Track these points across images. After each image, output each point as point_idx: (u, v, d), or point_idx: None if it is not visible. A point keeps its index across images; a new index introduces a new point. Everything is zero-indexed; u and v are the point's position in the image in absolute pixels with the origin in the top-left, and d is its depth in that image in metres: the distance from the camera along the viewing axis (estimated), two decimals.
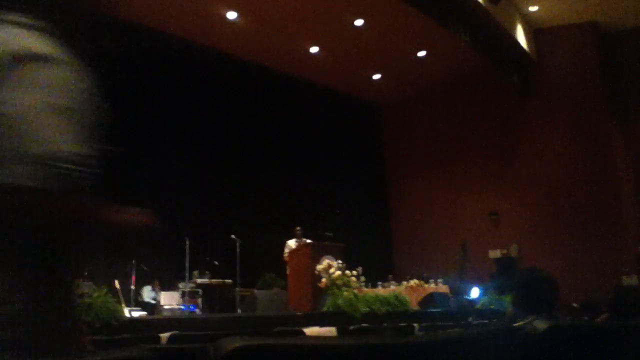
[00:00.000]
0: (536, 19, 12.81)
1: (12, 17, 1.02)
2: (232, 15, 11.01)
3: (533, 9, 12.28)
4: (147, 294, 9.73)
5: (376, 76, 14.40)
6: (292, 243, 8.64)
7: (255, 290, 8.90)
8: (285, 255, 8.56)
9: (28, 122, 0.90)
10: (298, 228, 8.79)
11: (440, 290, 10.04)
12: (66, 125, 0.93)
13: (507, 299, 8.59)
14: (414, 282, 10.11)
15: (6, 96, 0.92)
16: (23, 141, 0.89)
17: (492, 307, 8.75)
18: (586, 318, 5.53)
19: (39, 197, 0.89)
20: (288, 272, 8.41)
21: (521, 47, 12.31)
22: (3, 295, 0.94)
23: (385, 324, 6.07)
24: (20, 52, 0.97)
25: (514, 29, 12.05)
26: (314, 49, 12.68)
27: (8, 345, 0.92)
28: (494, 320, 7.28)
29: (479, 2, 10.48)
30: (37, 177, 0.89)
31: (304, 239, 8.60)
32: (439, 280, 10.47)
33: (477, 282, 10.38)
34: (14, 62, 0.95)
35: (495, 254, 13.02)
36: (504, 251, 12.94)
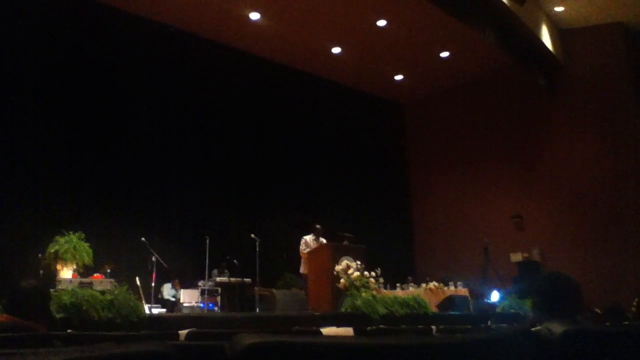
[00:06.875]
0: (562, 20, 12.60)
1: None
2: (255, 16, 11.08)
3: (559, 9, 12.09)
4: (168, 291, 9.84)
5: (399, 77, 14.33)
6: (309, 239, 8.53)
7: (275, 290, 8.91)
8: (303, 250, 8.48)
9: None
10: (318, 226, 8.66)
11: (460, 293, 9.93)
12: None
13: (528, 303, 8.47)
14: (433, 284, 10.02)
15: None
16: None
17: (512, 311, 8.63)
18: (608, 324, 5.41)
19: None
20: (307, 270, 8.33)
21: (546, 48, 12.12)
22: None
23: (403, 326, 6.04)
24: None
25: (539, 29, 11.88)
26: (337, 50, 12.67)
27: None
28: (514, 324, 7.18)
29: (503, 3, 10.35)
30: None
31: (322, 239, 8.53)
32: (458, 283, 10.36)
33: (499, 285, 10.25)
34: None
35: (516, 257, 12.84)
36: (526, 255, 12.75)
